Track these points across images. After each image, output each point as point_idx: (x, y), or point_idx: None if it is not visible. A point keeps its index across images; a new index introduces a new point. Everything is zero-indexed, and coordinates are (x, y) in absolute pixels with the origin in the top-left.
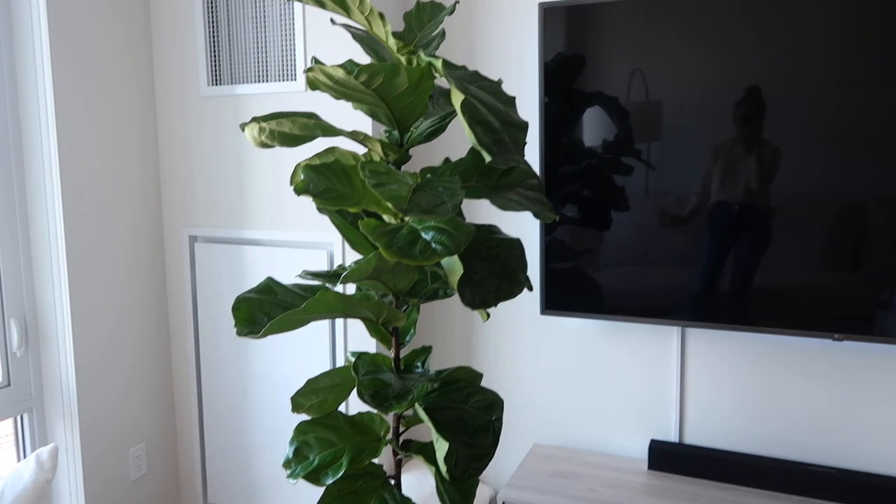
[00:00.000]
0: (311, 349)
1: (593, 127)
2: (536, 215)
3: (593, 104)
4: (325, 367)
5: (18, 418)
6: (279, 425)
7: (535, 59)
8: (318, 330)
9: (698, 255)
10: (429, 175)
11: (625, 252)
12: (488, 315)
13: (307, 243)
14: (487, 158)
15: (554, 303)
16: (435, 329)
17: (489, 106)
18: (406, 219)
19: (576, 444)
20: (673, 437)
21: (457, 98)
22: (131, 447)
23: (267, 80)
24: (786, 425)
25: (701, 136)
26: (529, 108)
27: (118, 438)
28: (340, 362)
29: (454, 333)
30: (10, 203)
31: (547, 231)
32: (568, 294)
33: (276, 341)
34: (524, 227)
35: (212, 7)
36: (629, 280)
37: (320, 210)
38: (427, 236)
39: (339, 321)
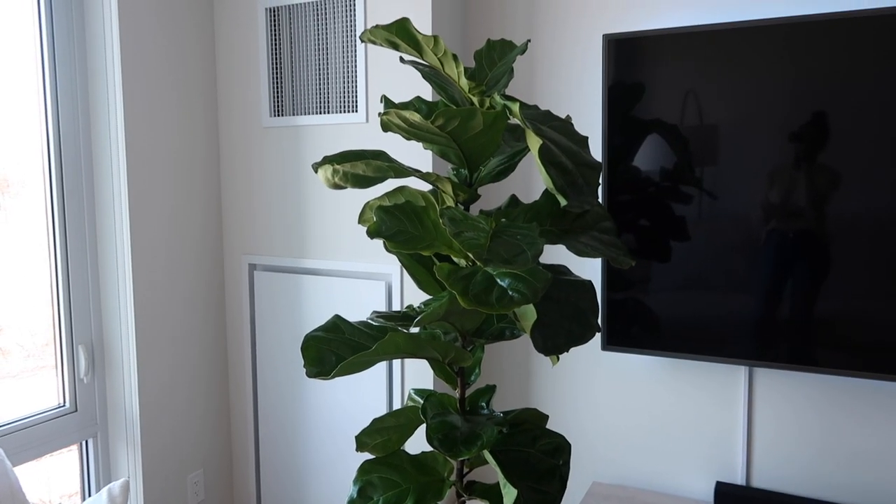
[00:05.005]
0: (368, 381)
1: (651, 156)
2: (613, 262)
3: (652, 133)
4: (382, 398)
5: (83, 443)
6: (333, 457)
7: (593, 89)
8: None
9: (761, 288)
10: (503, 220)
11: (687, 283)
12: (558, 359)
13: (366, 273)
14: (563, 203)
15: (616, 339)
16: (493, 366)
17: (562, 147)
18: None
19: (637, 483)
20: (739, 479)
21: (534, 143)
22: (189, 473)
23: (328, 112)
24: (861, 471)
25: (759, 162)
26: (592, 140)
27: (177, 464)
28: (397, 393)
29: (513, 369)
30: (81, 233)
31: (609, 268)
32: (630, 330)
33: None
34: (585, 261)
35: (275, 40)
36: (693, 314)
37: (389, 250)
38: (503, 283)
39: None
